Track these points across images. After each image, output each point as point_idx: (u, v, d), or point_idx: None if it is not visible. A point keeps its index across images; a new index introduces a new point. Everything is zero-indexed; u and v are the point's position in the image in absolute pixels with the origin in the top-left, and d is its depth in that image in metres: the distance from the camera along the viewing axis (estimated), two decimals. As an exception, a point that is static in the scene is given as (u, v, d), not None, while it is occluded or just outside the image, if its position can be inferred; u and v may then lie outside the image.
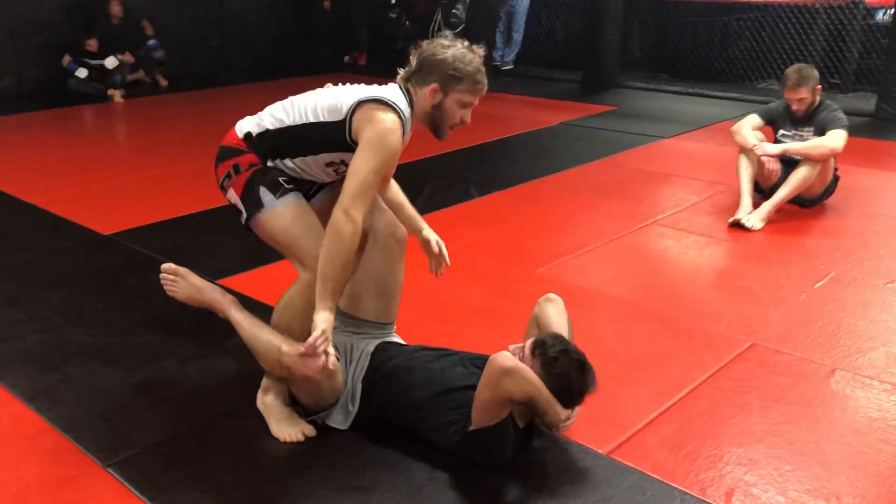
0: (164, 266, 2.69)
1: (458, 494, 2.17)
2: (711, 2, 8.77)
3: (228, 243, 4.02)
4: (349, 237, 2.23)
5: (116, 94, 7.86)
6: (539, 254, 3.91)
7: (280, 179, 2.40)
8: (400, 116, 2.28)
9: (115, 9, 8.19)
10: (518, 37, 9.63)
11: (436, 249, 2.66)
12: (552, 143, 6.32)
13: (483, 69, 2.36)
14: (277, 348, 2.34)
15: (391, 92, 2.34)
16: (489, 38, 8.27)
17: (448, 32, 11.09)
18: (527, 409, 2.22)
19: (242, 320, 2.49)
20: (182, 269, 2.68)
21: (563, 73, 9.11)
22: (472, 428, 2.21)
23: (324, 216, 2.43)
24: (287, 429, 2.41)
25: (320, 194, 2.56)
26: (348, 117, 2.29)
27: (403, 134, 2.31)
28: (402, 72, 2.40)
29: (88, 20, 8.17)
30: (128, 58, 8.15)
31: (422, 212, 3.73)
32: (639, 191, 4.97)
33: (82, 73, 7.76)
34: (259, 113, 2.47)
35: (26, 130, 6.73)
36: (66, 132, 6.70)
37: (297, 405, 2.48)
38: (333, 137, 2.32)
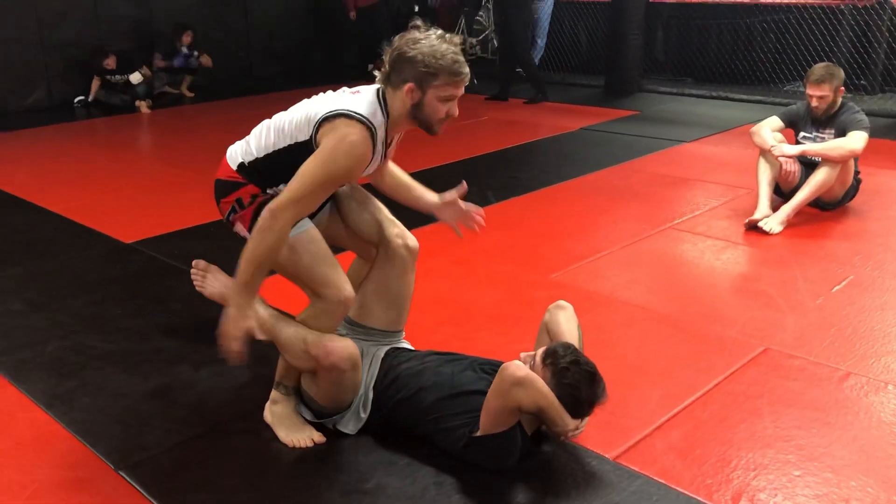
0: (195, 262, 2.74)
1: (463, 498, 2.18)
2: (735, 4, 8.70)
3: (246, 250, 4.06)
4: (269, 238, 2.17)
5: (143, 105, 7.99)
6: (554, 259, 3.91)
7: None
8: (366, 125, 2.21)
9: (187, 38, 8.53)
10: (541, 41, 9.63)
11: (462, 206, 2.61)
12: (572, 149, 6.31)
13: (460, 58, 2.22)
14: (303, 339, 2.34)
15: (358, 101, 2.25)
16: (524, 45, 8.19)
17: (472, 40, 11.15)
18: (535, 417, 2.23)
19: (268, 316, 2.46)
20: (212, 267, 2.73)
21: (586, 78, 9.09)
22: (479, 433, 2.23)
23: (328, 235, 2.46)
24: (296, 434, 2.43)
25: (322, 212, 2.53)
26: (314, 134, 2.25)
27: (374, 144, 2.25)
28: (378, 74, 2.31)
29: (168, 49, 8.56)
30: (146, 72, 8.23)
31: (436, 219, 3.76)
32: (657, 195, 4.94)
33: (136, 77, 7.96)
34: (247, 136, 2.44)
35: (54, 142, 6.87)
36: (92, 143, 6.84)
37: (304, 407, 2.51)
38: (308, 156, 2.24)
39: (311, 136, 2.26)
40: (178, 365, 2.94)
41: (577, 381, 2.19)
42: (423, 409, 2.36)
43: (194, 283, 2.75)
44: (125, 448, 2.43)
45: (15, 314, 3.41)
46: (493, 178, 5.40)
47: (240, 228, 2.45)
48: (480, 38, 11.26)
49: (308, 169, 2.20)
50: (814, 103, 4.35)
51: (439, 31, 2.25)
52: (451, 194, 2.62)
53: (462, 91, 2.28)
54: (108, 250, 4.18)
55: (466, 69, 2.24)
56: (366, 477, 2.27)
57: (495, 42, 10.90)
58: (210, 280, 2.74)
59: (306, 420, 2.49)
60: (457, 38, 2.25)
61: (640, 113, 7.51)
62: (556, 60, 9.61)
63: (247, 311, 2.25)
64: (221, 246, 4.16)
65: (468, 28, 11.20)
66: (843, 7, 7.76)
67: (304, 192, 2.20)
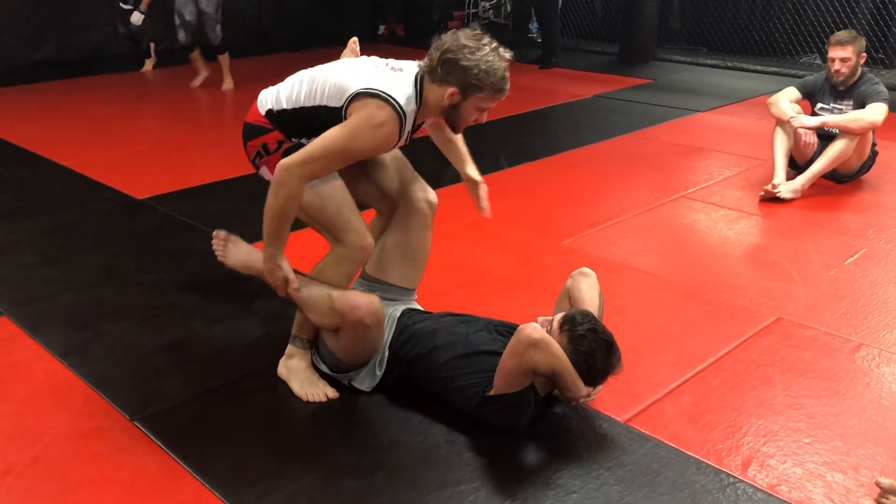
0: (216, 232, 2.74)
1: (474, 456, 2.21)
2: (754, -27, 8.57)
3: (260, 210, 4.03)
4: (283, 193, 2.23)
5: (148, 65, 7.87)
6: (566, 225, 3.91)
7: None
8: (396, 111, 2.21)
9: None
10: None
11: (482, 193, 2.66)
12: (586, 116, 6.27)
13: (507, 76, 2.24)
14: (328, 295, 2.36)
15: (397, 84, 2.25)
16: (552, 8, 8.13)
17: (485, 4, 11.01)
18: (548, 380, 2.24)
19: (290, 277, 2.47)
20: (233, 236, 2.72)
21: (601, 45, 9.01)
22: (492, 392, 2.24)
23: (350, 188, 2.47)
24: (310, 389, 2.46)
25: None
26: (345, 106, 2.25)
27: (401, 129, 2.25)
28: (422, 63, 2.30)
29: None
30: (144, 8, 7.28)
31: (450, 182, 3.76)
32: (670, 164, 4.92)
33: (136, 17, 7.35)
34: (280, 84, 2.45)
35: (65, 97, 6.84)
36: (104, 99, 6.80)
37: (321, 361, 2.53)
38: (336, 122, 2.27)
39: (342, 107, 2.26)
40: (193, 320, 2.96)
41: (593, 349, 2.20)
42: (437, 367, 2.37)
43: (216, 252, 2.76)
44: (140, 399, 2.46)
45: (30, 266, 3.43)
46: (506, 143, 5.37)
47: (265, 172, 2.46)
48: (494, 2, 11.14)
49: (330, 136, 2.22)
50: (835, 66, 4.29)
51: (494, 44, 2.25)
52: (478, 177, 2.68)
53: (497, 103, 2.31)
54: (120, 205, 4.19)
55: (508, 86, 2.26)
56: (379, 433, 2.30)
57: (508, 7, 10.79)
58: (231, 249, 2.75)
59: (322, 374, 2.51)
60: (508, 54, 2.26)
61: (655, 81, 7.45)
62: (570, 27, 9.50)
63: (279, 261, 2.34)
64: (236, 205, 4.19)
65: (481, -9, 11.07)
66: (863, -22, 7.65)
67: (319, 157, 2.22)
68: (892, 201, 4.26)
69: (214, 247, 2.77)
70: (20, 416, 2.39)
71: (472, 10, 11.02)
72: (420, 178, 2.62)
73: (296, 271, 2.44)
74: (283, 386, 2.51)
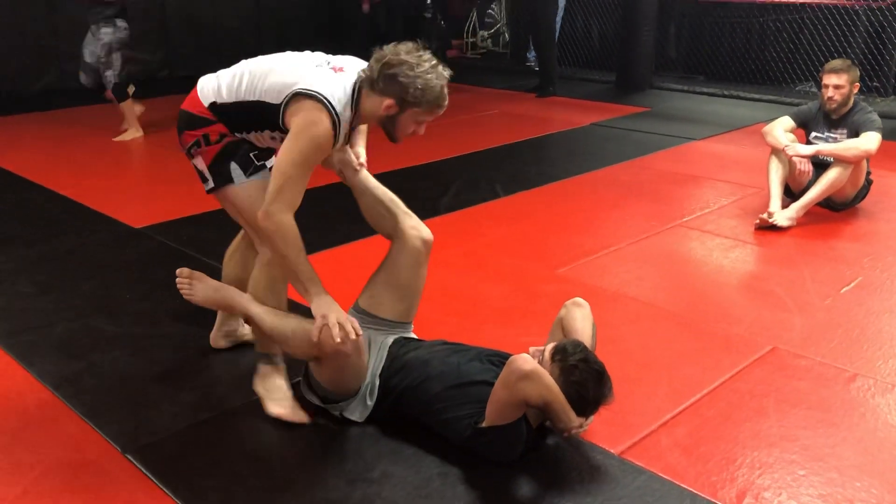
0: (179, 270, 2.63)
1: (467, 489, 2.19)
2: (749, 2, 8.66)
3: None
4: (277, 234, 2.25)
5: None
6: (561, 253, 3.91)
7: (251, 155, 2.46)
8: (332, 115, 2.23)
9: None
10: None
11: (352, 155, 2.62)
12: (582, 144, 6.30)
13: (445, 92, 2.29)
14: (306, 329, 2.33)
15: (335, 87, 2.27)
16: (549, 36, 8.19)
17: (483, 33, 11.12)
18: (540, 411, 2.23)
19: (263, 313, 2.47)
20: (197, 273, 2.63)
21: (598, 74, 9.07)
22: (484, 424, 2.23)
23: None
24: (284, 409, 2.45)
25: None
26: (283, 105, 2.28)
27: (336, 133, 2.26)
28: (362, 71, 2.32)
29: None
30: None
31: (446, 210, 3.77)
32: (666, 192, 4.93)
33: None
34: (221, 73, 2.46)
35: (64, 126, 6.88)
36: (102, 127, 6.83)
37: (311, 392, 2.51)
38: (273, 119, 2.32)
39: (279, 105, 2.29)
40: (186, 350, 2.95)
41: (585, 380, 2.19)
42: (428, 397, 2.36)
43: (181, 290, 2.62)
44: (133, 431, 2.45)
45: (24, 295, 3.43)
46: (502, 171, 5.39)
47: (199, 162, 2.50)
48: (492, 31, 11.25)
49: (285, 161, 2.25)
50: (829, 93, 4.32)
51: (433, 60, 2.28)
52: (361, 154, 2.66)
53: (434, 118, 2.34)
54: (117, 234, 4.19)
55: (446, 102, 2.30)
56: (371, 465, 2.28)
57: (506, 36, 10.89)
58: (197, 286, 2.62)
59: (313, 406, 2.50)
60: (446, 72, 2.30)
61: (651, 109, 7.50)
62: (567, 55, 9.58)
63: (330, 304, 2.30)
64: (232, 234, 4.18)
65: (480, 21, 11.18)
66: (857, 8, 7.72)
67: (287, 184, 2.24)
68: (887, 229, 4.27)
69: (179, 285, 2.61)
70: (10, 447, 2.38)
71: (471, 40, 11.12)
72: (412, 215, 2.62)
73: (270, 308, 2.46)
74: (276, 418, 2.49)
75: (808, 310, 3.31)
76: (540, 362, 2.21)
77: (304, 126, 2.23)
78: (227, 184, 2.49)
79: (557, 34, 9.17)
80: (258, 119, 2.37)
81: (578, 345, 2.27)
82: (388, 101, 2.27)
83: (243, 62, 2.46)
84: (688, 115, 7.27)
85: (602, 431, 2.42)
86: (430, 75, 2.25)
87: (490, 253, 3.90)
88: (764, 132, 4.53)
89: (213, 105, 2.42)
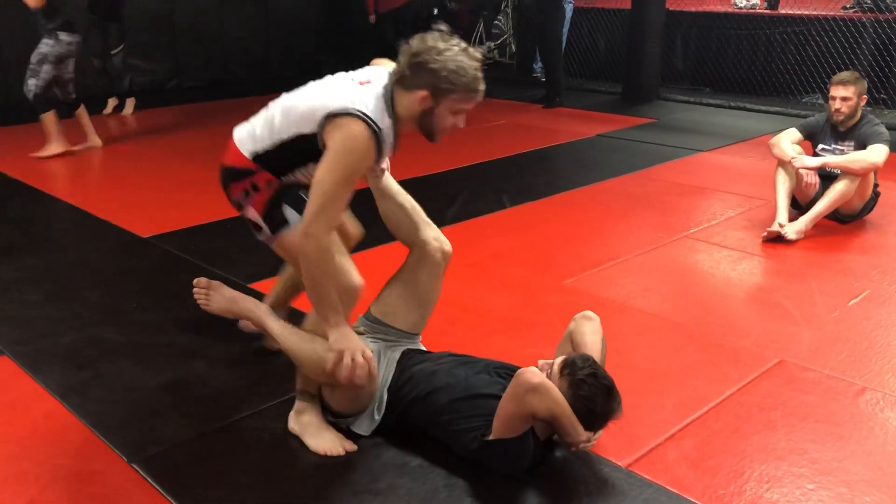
0: (197, 280, 2.61)
1: (473, 501, 2.18)
2: (756, 14, 8.67)
3: (263, 247, 4.06)
4: (314, 256, 2.17)
5: (126, 106, 7.67)
6: (568, 265, 3.91)
7: (302, 195, 2.35)
8: (371, 127, 2.16)
9: None
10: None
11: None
12: (588, 155, 6.30)
13: (480, 75, 2.19)
14: (322, 357, 2.29)
15: (366, 98, 2.20)
16: (556, 46, 8.22)
17: (490, 44, 11.14)
18: (548, 425, 2.23)
19: (281, 330, 2.43)
20: (214, 283, 2.60)
21: (604, 85, 9.09)
22: (491, 437, 2.23)
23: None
24: (326, 444, 2.39)
25: None
26: (320, 131, 2.21)
27: (378, 145, 2.19)
28: (390, 70, 2.26)
29: None
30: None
31: (453, 220, 3.77)
32: (673, 204, 4.93)
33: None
34: (254, 119, 2.42)
35: (70, 134, 6.90)
36: (109, 137, 6.87)
37: (323, 408, 2.51)
38: (314, 150, 2.24)
39: (316, 132, 2.22)
40: (192, 360, 2.95)
41: (593, 394, 2.19)
42: (435, 410, 2.36)
43: (198, 301, 2.60)
44: (138, 441, 2.45)
45: (31, 304, 3.43)
46: (509, 182, 5.40)
47: (251, 213, 2.43)
48: (499, 42, 11.28)
49: (324, 179, 2.17)
50: (836, 105, 4.31)
51: (463, 44, 2.20)
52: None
53: (472, 107, 2.25)
54: (124, 243, 4.20)
55: (483, 86, 2.21)
56: (377, 477, 2.28)
57: (513, 47, 10.92)
58: (214, 296, 2.59)
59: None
60: (478, 53, 2.22)
61: (658, 121, 7.50)
62: (574, 66, 9.59)
63: (347, 336, 2.25)
64: (239, 243, 4.20)
65: (487, 32, 11.22)
66: (864, 20, 7.72)
67: (328, 203, 2.18)
68: (895, 242, 4.25)
69: (196, 294, 2.60)
70: (17, 457, 2.38)
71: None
72: (433, 225, 2.59)
73: (288, 323, 2.44)
74: (283, 427, 2.49)
75: (815, 322, 3.30)
76: (548, 375, 2.20)
77: (343, 141, 2.15)
78: (282, 228, 2.38)
79: (564, 45, 9.19)
80: (300, 154, 2.29)
81: (587, 359, 2.26)
82: (421, 94, 2.17)
83: (271, 103, 2.40)
84: (694, 126, 7.27)
85: (609, 444, 2.41)
86: (460, 57, 2.16)
87: (497, 264, 3.90)
88: (770, 144, 4.52)
89: (256, 155, 2.36)
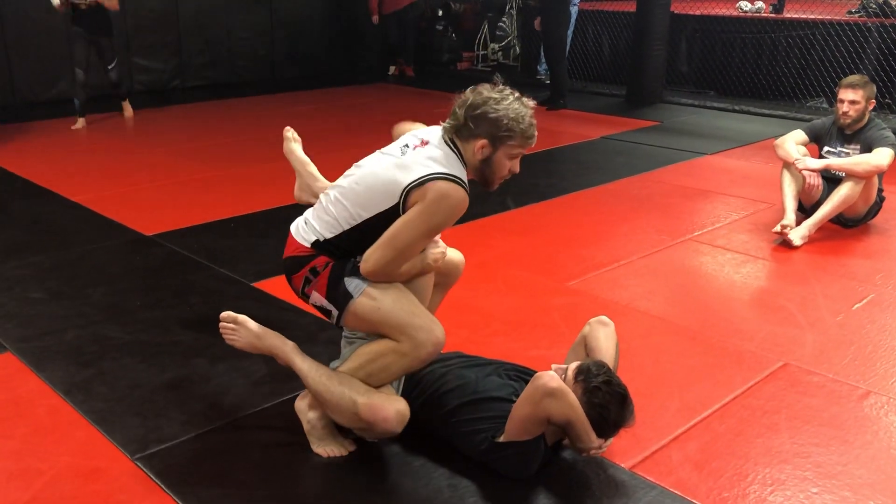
0: (224, 315, 2.51)
1: (477, 501, 2.18)
2: (761, 18, 8.66)
3: (267, 247, 4.09)
4: (385, 271, 2.24)
5: (126, 108, 7.58)
6: (572, 266, 3.90)
7: (358, 261, 2.31)
8: (461, 185, 2.19)
9: None
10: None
11: None
12: (593, 157, 6.30)
13: (534, 122, 2.27)
14: (353, 402, 2.25)
15: (438, 160, 2.22)
16: (560, 48, 8.21)
17: (494, 46, 11.15)
18: (559, 429, 2.22)
19: (309, 370, 2.36)
20: (241, 317, 2.50)
21: (608, 87, 9.09)
22: (502, 439, 2.22)
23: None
24: (329, 446, 2.39)
25: None
26: (402, 201, 2.19)
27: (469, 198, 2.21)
28: (446, 124, 2.28)
29: None
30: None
31: (456, 221, 3.77)
32: (677, 206, 4.92)
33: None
34: (311, 211, 2.41)
35: (77, 133, 6.92)
36: (114, 136, 6.89)
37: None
38: (391, 220, 2.23)
39: (398, 204, 2.20)
40: (196, 358, 2.95)
41: (607, 402, 2.18)
42: (445, 412, 2.35)
43: (224, 336, 2.50)
44: (142, 438, 2.44)
45: (35, 302, 3.44)
46: (513, 184, 5.32)
47: (316, 298, 2.36)
48: (503, 44, 11.29)
49: (407, 222, 2.18)
50: (844, 108, 4.31)
51: (516, 93, 2.27)
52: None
53: (527, 150, 2.31)
54: (128, 242, 4.21)
55: (536, 132, 2.28)
56: (381, 477, 2.27)
57: (517, 49, 10.92)
58: (241, 331, 2.50)
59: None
60: (531, 102, 2.29)
61: (662, 124, 7.49)
62: (578, 69, 9.59)
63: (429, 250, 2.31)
64: (243, 242, 4.21)
65: (491, 34, 11.22)
66: (870, 24, 7.71)
67: (404, 245, 2.20)
68: (899, 246, 4.25)
69: (223, 330, 2.50)
70: (20, 453, 2.38)
71: (482, 52, 11.16)
72: (457, 253, 2.62)
73: (315, 362, 2.38)
74: (285, 425, 2.49)
75: (819, 326, 3.29)
76: (563, 380, 2.19)
77: (438, 197, 2.16)
78: (348, 302, 2.30)
79: (569, 47, 9.18)
80: (375, 233, 2.24)
81: (602, 366, 2.26)
82: (481, 142, 2.22)
83: (329, 191, 2.38)
84: (698, 129, 7.27)
85: (614, 445, 2.40)
86: (516, 105, 2.23)
87: (500, 265, 3.90)
88: (775, 145, 4.52)
89: (317, 243, 2.32)
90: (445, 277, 2.59)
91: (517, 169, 2.32)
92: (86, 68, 6.94)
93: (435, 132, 2.32)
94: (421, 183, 2.18)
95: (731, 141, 6.75)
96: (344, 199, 2.30)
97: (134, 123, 7.42)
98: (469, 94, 2.26)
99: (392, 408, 2.25)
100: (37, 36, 7.97)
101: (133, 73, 8.77)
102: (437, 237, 2.34)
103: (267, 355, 2.47)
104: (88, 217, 4.60)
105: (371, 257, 2.23)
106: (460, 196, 2.19)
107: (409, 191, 2.19)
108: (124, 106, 7.60)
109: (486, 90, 2.26)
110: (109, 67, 7.10)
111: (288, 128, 2.98)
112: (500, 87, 2.28)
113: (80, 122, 7.07)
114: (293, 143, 2.93)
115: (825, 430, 2.55)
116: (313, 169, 2.84)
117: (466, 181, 2.24)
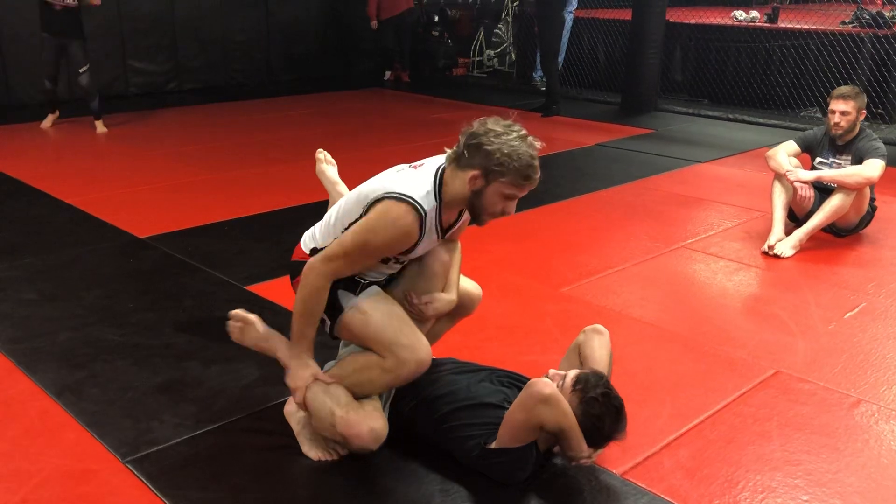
0: (233, 313, 2.56)
1: (468, 507, 2.18)
2: (755, 27, 8.71)
3: (260, 250, 4.10)
4: (310, 287, 2.25)
5: (98, 125, 7.02)
6: (565, 272, 3.91)
7: (356, 278, 2.35)
8: (415, 208, 2.17)
9: None
10: (559, 57, 9.66)
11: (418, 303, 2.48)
12: (587, 164, 6.32)
13: (535, 162, 2.16)
14: (332, 413, 2.26)
15: (413, 182, 2.22)
16: (553, 55, 8.22)
17: (489, 52, 11.17)
18: (551, 436, 2.23)
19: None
20: (250, 317, 2.55)
21: (603, 95, 9.12)
22: (494, 445, 2.23)
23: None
24: (319, 448, 2.39)
25: (392, 284, 2.48)
26: (363, 213, 2.23)
27: (422, 226, 2.20)
28: (449, 152, 2.27)
29: None
30: None
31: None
32: (670, 214, 4.94)
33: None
34: (315, 226, 2.47)
35: (72, 135, 6.91)
36: (108, 137, 6.87)
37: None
38: None
39: (361, 215, 2.23)
40: (188, 361, 2.95)
41: (603, 414, 2.19)
42: (438, 417, 2.35)
43: (230, 333, 2.57)
44: (133, 441, 2.44)
45: (28, 303, 3.43)
46: (507, 189, 5.39)
47: None
48: (499, 50, 11.32)
49: (347, 234, 2.24)
50: (835, 119, 4.33)
51: (523, 131, 2.19)
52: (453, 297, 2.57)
53: (526, 192, 2.23)
54: (122, 244, 4.20)
55: (538, 175, 2.19)
56: (373, 480, 2.27)
57: (513, 55, 10.95)
58: (249, 330, 2.56)
59: None
60: (537, 143, 2.20)
61: (656, 131, 7.52)
62: (573, 76, 9.63)
63: (305, 360, 2.34)
64: (236, 245, 4.21)
65: (487, 40, 11.25)
66: (863, 35, 7.76)
67: (339, 254, 2.23)
68: (891, 256, 4.27)
69: (230, 327, 2.56)
70: (10, 455, 2.37)
71: (478, 58, 11.19)
72: (476, 286, 2.70)
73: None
74: (276, 429, 2.48)
75: (811, 334, 3.31)
76: (560, 388, 2.20)
77: (379, 214, 2.18)
78: (340, 313, 2.34)
79: (563, 55, 9.22)
80: None
81: (601, 377, 2.26)
82: (472, 173, 2.17)
83: (335, 206, 2.43)
84: (692, 137, 7.30)
85: (605, 452, 2.40)
86: (516, 142, 2.14)
87: (494, 270, 3.90)
88: (767, 156, 4.54)
89: (315, 251, 2.36)
90: (459, 308, 2.58)
91: (511, 210, 2.25)
92: (54, 76, 6.69)
93: (433, 162, 2.31)
94: (379, 199, 2.20)
95: (725, 149, 6.78)
96: (339, 209, 2.38)
97: (127, 127, 7.41)
98: (475, 125, 2.21)
99: (367, 426, 2.26)
100: (31, 37, 7.95)
101: (128, 76, 8.78)
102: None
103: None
104: (82, 219, 4.60)
105: (318, 254, 2.28)
106: (399, 213, 2.16)
107: (370, 204, 2.22)
108: (97, 125, 7.00)
109: (491, 122, 2.19)
110: (80, 71, 6.70)
111: (320, 150, 3.07)
112: (510, 122, 2.21)
113: (49, 120, 6.93)
114: (324, 164, 3.03)
115: (816, 438, 2.56)
116: (343, 189, 2.91)
117: (426, 206, 2.19)
